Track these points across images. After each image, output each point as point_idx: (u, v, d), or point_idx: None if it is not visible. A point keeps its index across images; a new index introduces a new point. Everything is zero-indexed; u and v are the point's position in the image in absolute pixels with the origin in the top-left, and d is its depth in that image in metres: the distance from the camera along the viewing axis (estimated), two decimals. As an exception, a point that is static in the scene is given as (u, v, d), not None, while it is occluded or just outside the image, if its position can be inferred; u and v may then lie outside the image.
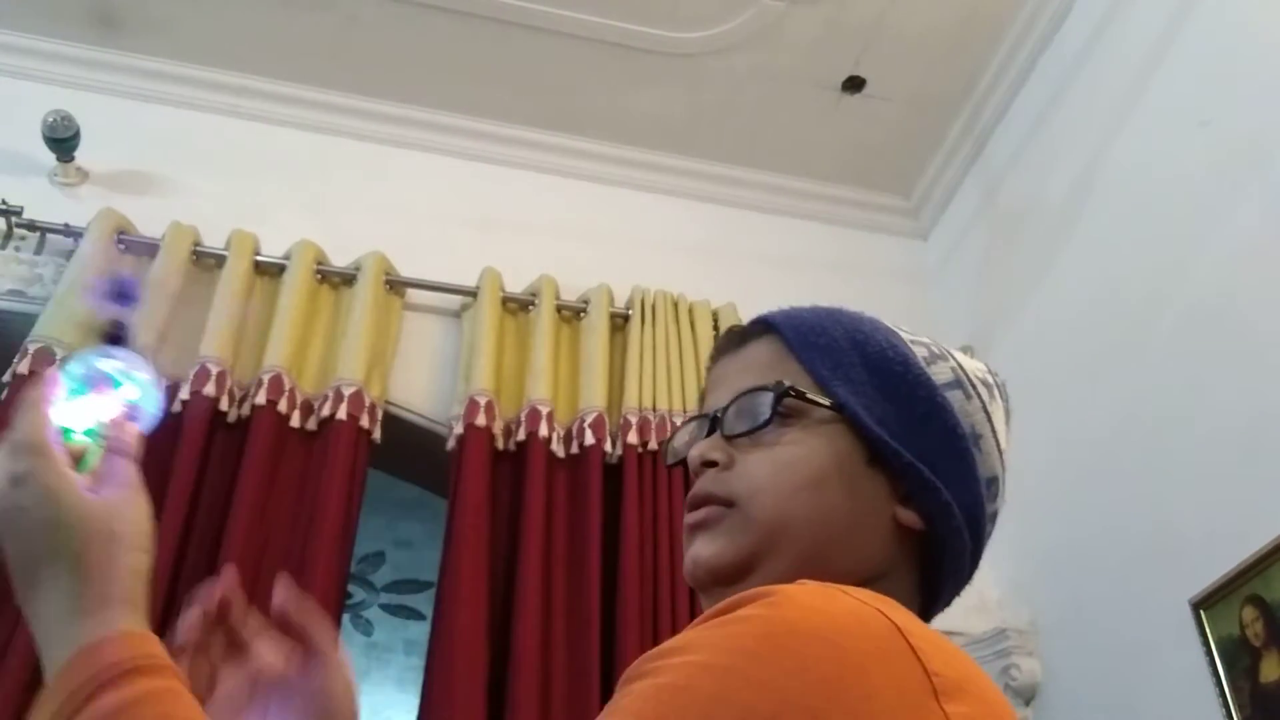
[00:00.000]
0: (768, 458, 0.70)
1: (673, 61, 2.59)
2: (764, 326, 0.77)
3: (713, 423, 0.73)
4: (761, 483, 0.69)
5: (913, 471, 0.71)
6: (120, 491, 0.64)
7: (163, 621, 1.90)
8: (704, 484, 0.71)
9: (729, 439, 0.72)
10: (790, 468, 0.69)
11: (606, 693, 1.88)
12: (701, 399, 0.80)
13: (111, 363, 0.68)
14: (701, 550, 0.69)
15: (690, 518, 0.71)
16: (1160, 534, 1.87)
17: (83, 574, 0.60)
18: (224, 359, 2.04)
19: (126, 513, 0.64)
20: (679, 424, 0.81)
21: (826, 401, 0.71)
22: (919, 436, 0.72)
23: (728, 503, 0.69)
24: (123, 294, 0.69)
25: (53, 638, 0.59)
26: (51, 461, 0.62)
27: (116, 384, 0.68)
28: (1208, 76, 1.97)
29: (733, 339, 0.78)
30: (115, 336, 0.69)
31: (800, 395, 0.71)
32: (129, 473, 0.65)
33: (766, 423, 0.70)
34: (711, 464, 0.71)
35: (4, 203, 2.17)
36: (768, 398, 0.71)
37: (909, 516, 0.71)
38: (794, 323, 0.76)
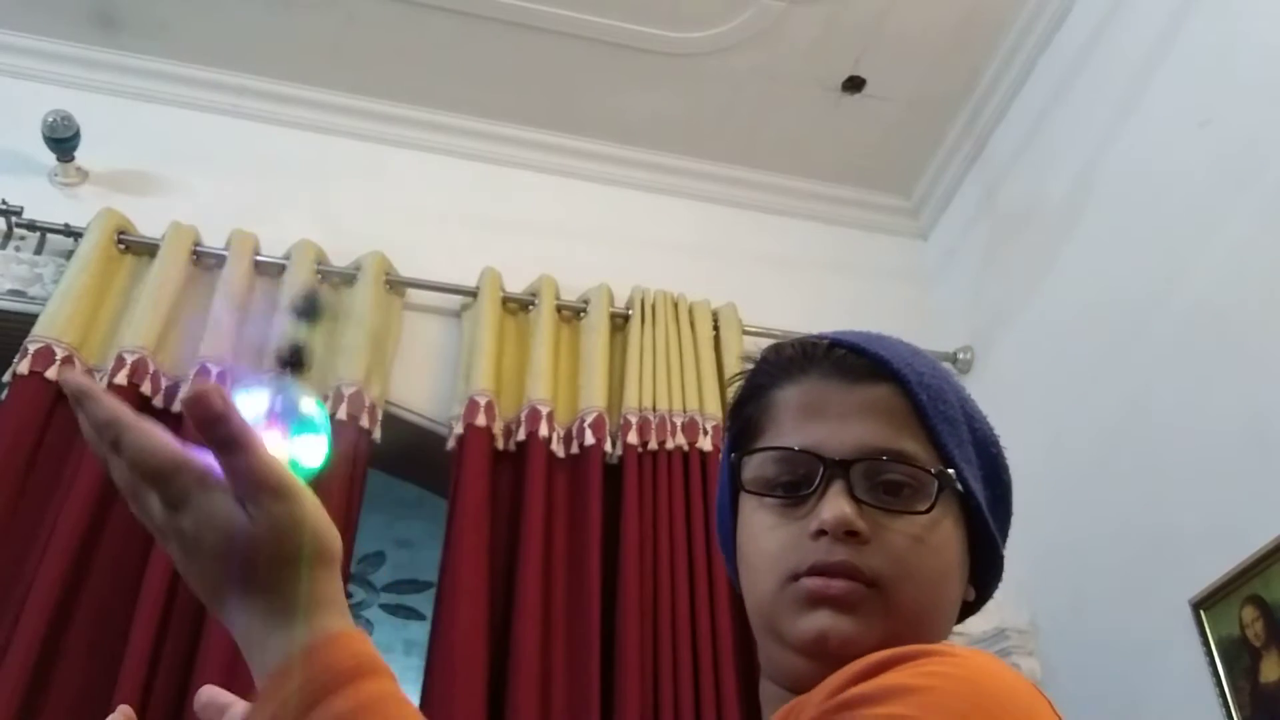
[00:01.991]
0: (910, 539, 0.68)
1: (673, 61, 2.59)
2: (886, 371, 0.72)
3: (834, 469, 0.69)
4: (907, 569, 0.67)
5: (998, 563, 0.74)
6: (275, 506, 0.54)
7: (163, 623, 1.89)
8: (846, 555, 0.67)
9: (867, 504, 0.68)
10: (933, 554, 0.69)
11: (606, 693, 1.88)
12: (773, 413, 0.74)
13: (301, 402, 0.59)
14: (839, 627, 0.66)
15: (827, 586, 0.67)
16: (1160, 534, 1.87)
17: (265, 597, 0.54)
18: (224, 359, 2.04)
19: (292, 531, 0.54)
20: (758, 448, 0.73)
21: (962, 489, 0.71)
22: (999, 521, 0.75)
23: (870, 582, 0.67)
24: (311, 311, 0.62)
25: (256, 649, 0.54)
26: (201, 482, 0.54)
27: (296, 429, 0.59)
28: (1208, 76, 1.97)
29: (844, 370, 0.72)
30: (294, 360, 0.61)
31: (955, 489, 0.70)
32: (278, 479, 0.54)
33: (925, 512, 0.68)
34: (854, 533, 0.67)
35: (4, 203, 2.17)
36: (928, 483, 0.69)
37: (969, 593, 0.74)
38: (920, 380, 0.72)
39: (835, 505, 0.67)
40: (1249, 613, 1.66)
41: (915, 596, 0.67)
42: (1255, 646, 1.64)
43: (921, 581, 0.68)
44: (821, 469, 0.69)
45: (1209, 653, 1.72)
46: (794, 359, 0.74)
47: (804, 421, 0.71)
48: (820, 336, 0.76)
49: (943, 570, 0.69)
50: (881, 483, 0.69)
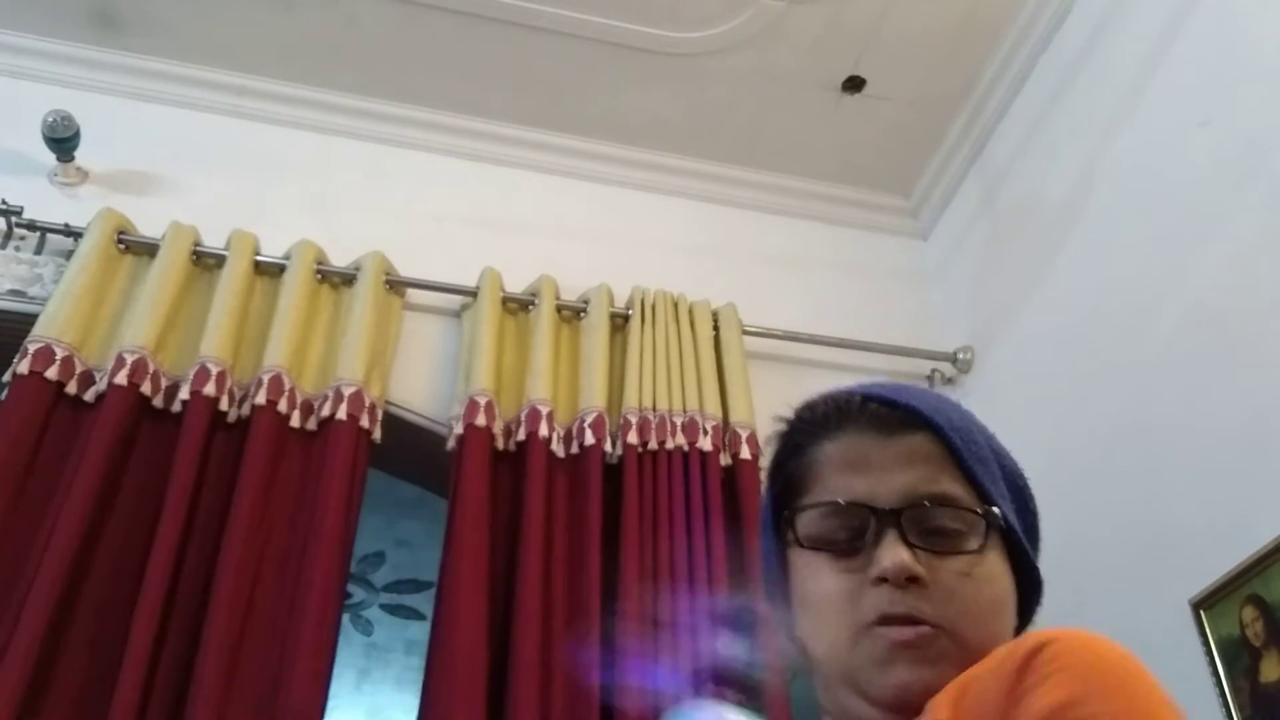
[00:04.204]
0: (965, 577, 0.71)
1: (673, 61, 2.59)
2: (919, 421, 0.75)
3: (886, 518, 0.72)
4: (967, 607, 0.71)
5: (1039, 589, 0.78)
6: None
7: (163, 623, 1.89)
8: (908, 606, 0.70)
9: (920, 548, 0.71)
10: (987, 586, 0.72)
11: (607, 693, 1.88)
12: (816, 470, 0.76)
13: None
14: (920, 677, 0.68)
15: (899, 635, 0.69)
16: (1160, 534, 1.87)
17: None
18: (224, 359, 2.04)
19: None
20: (809, 504, 0.76)
21: (1003, 524, 0.74)
22: (1033, 548, 0.79)
23: (935, 624, 0.69)
24: (744, 625, 0.61)
25: None
26: None
27: None
28: (1208, 76, 1.97)
29: (880, 423, 0.75)
30: (733, 682, 0.59)
31: (1000, 527, 0.73)
32: None
33: (977, 551, 0.72)
34: (914, 579, 0.70)
35: (4, 203, 2.17)
36: (975, 523, 0.72)
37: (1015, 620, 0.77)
38: (951, 425, 0.75)
39: (894, 553, 0.70)
40: (1249, 613, 1.66)
41: (978, 632, 0.70)
42: (1255, 646, 1.64)
43: (980, 616, 0.71)
44: (874, 520, 0.72)
45: (1209, 653, 1.72)
46: (829, 416, 0.77)
47: (848, 475, 0.74)
48: (850, 392, 0.79)
49: (997, 603, 0.73)
50: (931, 527, 0.72)
